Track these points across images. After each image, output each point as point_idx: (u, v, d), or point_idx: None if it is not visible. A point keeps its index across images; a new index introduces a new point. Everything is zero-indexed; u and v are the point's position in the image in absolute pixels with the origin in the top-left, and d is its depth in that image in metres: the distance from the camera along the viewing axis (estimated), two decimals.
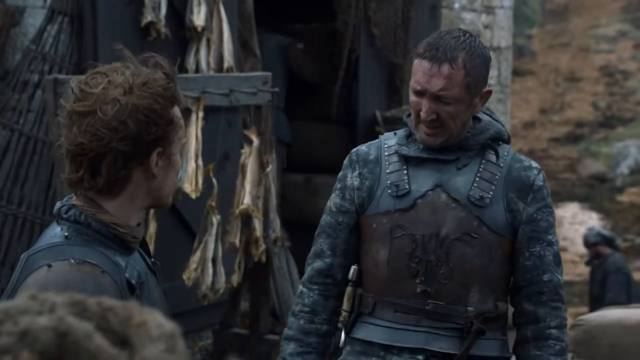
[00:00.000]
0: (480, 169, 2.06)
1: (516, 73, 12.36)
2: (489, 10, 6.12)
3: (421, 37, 5.67)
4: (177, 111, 1.57)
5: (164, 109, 1.52)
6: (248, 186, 3.94)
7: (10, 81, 4.15)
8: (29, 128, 4.10)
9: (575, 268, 9.11)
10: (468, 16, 6.00)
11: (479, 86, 2.03)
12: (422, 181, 2.07)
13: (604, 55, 15.52)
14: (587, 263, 7.11)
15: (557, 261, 2.08)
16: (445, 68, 1.98)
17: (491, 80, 6.27)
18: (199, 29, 4.28)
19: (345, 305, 2.12)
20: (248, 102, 4.13)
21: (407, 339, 2.04)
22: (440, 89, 1.98)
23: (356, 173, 2.12)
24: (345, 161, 2.15)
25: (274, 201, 4.09)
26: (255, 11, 4.84)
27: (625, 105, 13.89)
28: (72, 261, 1.47)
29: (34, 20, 4.25)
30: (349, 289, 2.11)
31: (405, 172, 2.07)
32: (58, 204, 1.58)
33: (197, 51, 4.33)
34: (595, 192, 11.39)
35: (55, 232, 1.53)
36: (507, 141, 2.14)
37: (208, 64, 4.35)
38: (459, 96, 1.99)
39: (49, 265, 1.46)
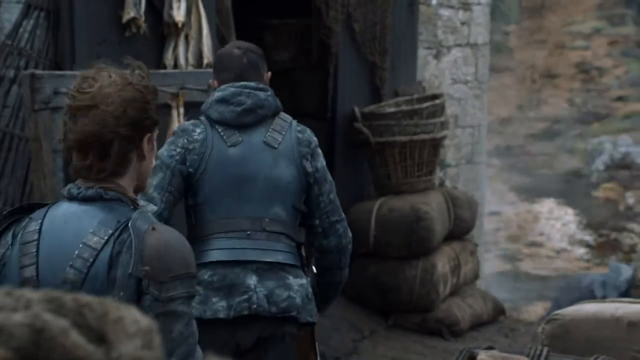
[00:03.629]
0: None
1: (493, 69, 12.41)
2: (466, 6, 6.15)
3: (399, 34, 5.71)
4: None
5: (153, 99, 1.82)
6: None
7: None
8: (4, 124, 4.07)
9: (551, 263, 9.18)
10: (445, 13, 6.03)
11: None
12: None
13: (580, 52, 15.64)
14: None
15: None
16: None
17: (468, 77, 6.31)
18: (180, 25, 4.26)
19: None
20: None
21: None
22: None
23: None
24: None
25: None
26: (232, 6, 4.83)
27: (601, 102, 14.01)
28: (156, 224, 1.77)
29: (9, 15, 4.22)
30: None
31: None
32: (82, 189, 1.78)
33: (176, 47, 4.32)
34: (571, 187, 11.49)
35: (109, 209, 1.76)
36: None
37: (186, 59, 4.33)
38: None
39: (153, 228, 1.74)
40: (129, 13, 4.09)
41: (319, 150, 2.74)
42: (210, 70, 4.43)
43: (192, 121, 2.75)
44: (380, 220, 5.11)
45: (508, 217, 10.58)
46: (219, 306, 2.58)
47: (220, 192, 2.64)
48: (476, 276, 5.69)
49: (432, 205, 5.16)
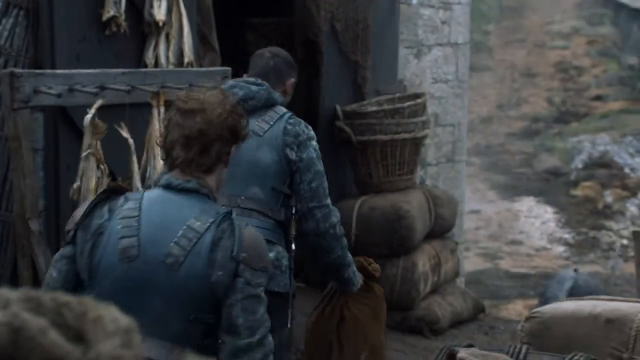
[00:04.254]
0: None
1: (473, 69, 12.47)
2: (446, 6, 6.17)
3: (380, 33, 5.72)
4: None
5: (244, 115, 2.16)
6: None
7: None
8: None
9: (530, 261, 9.24)
10: (426, 12, 6.05)
11: None
12: None
13: (559, 52, 15.75)
14: None
15: None
16: None
17: (449, 76, 6.33)
18: (160, 24, 4.24)
19: None
20: None
21: None
22: None
23: None
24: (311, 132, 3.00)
25: None
26: (213, 5, 4.82)
27: (580, 101, 14.11)
28: (247, 223, 2.17)
29: None
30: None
31: None
32: (180, 180, 2.07)
33: (156, 46, 4.30)
34: (550, 186, 11.57)
35: (204, 201, 2.06)
36: None
37: (167, 58, 4.32)
38: None
39: (247, 224, 2.10)
40: (109, 11, 4.07)
41: (310, 143, 2.98)
42: (191, 69, 4.45)
43: None
44: (362, 219, 5.13)
45: (488, 215, 10.64)
46: None
47: None
48: (456, 274, 5.71)
49: (413, 203, 5.18)
